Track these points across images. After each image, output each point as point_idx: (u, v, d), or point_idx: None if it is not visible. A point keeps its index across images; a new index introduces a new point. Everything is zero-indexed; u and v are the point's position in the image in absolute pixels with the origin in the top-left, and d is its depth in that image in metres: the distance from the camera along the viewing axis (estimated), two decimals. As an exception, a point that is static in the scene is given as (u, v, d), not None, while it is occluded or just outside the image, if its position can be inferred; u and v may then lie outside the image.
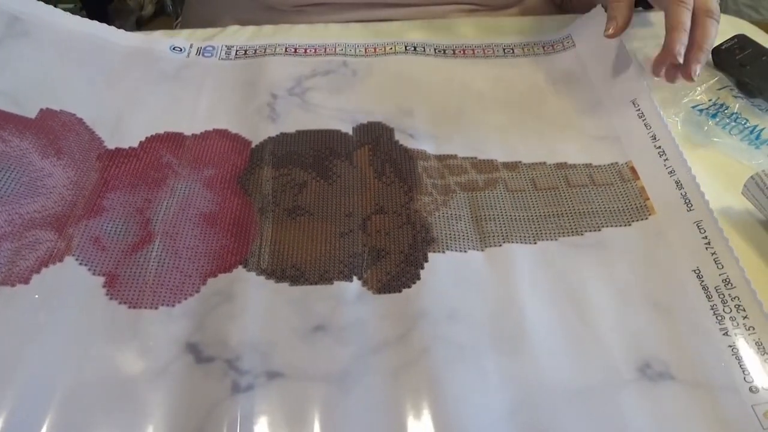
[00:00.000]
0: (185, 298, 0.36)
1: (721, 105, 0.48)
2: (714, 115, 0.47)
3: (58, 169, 0.41)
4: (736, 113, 0.47)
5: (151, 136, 0.45)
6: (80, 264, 0.37)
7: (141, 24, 1.56)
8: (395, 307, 0.35)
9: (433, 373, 0.32)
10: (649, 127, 0.44)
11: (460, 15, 0.60)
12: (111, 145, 0.44)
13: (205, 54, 0.53)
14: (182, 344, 0.34)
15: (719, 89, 0.49)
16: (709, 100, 0.48)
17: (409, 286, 0.36)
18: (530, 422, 0.30)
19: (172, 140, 0.45)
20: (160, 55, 0.52)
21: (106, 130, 0.45)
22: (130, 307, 0.35)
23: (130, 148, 0.44)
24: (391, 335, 0.34)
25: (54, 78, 0.47)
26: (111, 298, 0.35)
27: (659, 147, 0.42)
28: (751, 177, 0.39)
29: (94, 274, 0.36)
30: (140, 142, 0.45)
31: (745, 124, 0.47)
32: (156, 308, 0.35)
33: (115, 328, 0.34)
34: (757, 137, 0.46)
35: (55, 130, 0.43)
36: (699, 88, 0.49)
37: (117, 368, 0.33)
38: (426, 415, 0.31)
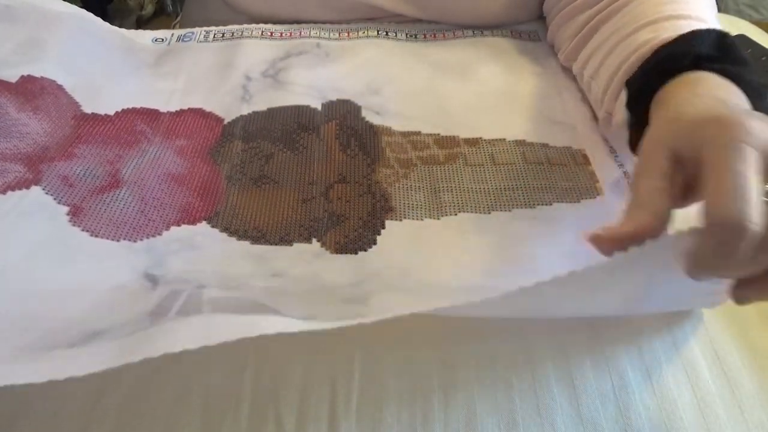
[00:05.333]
0: (147, 238, 0.37)
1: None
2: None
3: (33, 121, 0.42)
4: None
5: (128, 108, 0.47)
6: (46, 194, 0.38)
7: (141, 24, 1.55)
8: (350, 265, 0.36)
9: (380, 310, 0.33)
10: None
11: None
12: (88, 110, 0.46)
13: (185, 39, 0.55)
14: (141, 273, 0.35)
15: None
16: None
17: (365, 250, 0.37)
18: None
19: (147, 114, 0.47)
20: (141, 47, 0.53)
21: (84, 98, 0.46)
22: (91, 235, 0.36)
23: (105, 114, 0.46)
24: (344, 282, 0.35)
25: (36, 51, 0.48)
26: (74, 225, 0.36)
27: (610, 146, 0.44)
28: None
29: (59, 203, 0.37)
30: (116, 111, 0.46)
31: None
32: (118, 240, 0.36)
33: (74, 249, 0.35)
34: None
35: (33, 92, 0.45)
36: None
37: (70, 282, 0.33)
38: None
